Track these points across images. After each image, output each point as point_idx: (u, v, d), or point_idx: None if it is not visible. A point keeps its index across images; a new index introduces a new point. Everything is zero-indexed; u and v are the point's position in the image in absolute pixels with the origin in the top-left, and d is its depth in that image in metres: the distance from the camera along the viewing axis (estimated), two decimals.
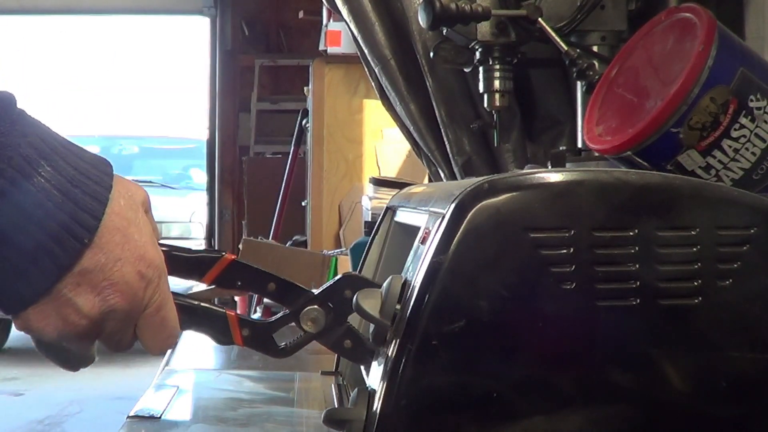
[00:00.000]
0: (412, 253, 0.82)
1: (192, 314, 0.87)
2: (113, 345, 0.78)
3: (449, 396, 0.72)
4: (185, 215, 7.37)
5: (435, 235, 0.74)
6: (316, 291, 0.91)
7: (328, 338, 0.92)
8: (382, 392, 0.72)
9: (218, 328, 0.89)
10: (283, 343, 0.92)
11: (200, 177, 7.94)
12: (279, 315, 0.91)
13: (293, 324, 0.92)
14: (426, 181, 2.10)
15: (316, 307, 0.90)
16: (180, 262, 0.87)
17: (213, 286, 0.90)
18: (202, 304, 0.89)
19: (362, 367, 0.95)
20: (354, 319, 0.88)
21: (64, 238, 0.71)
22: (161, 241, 0.80)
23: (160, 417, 1.02)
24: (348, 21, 1.76)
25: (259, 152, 6.79)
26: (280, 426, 1.03)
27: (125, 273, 0.74)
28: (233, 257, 0.89)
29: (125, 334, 0.78)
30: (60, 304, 0.73)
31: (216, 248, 6.19)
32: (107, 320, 0.75)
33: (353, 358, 0.94)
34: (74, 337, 0.75)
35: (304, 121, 4.86)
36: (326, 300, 0.90)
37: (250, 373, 1.27)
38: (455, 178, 1.68)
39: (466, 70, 1.52)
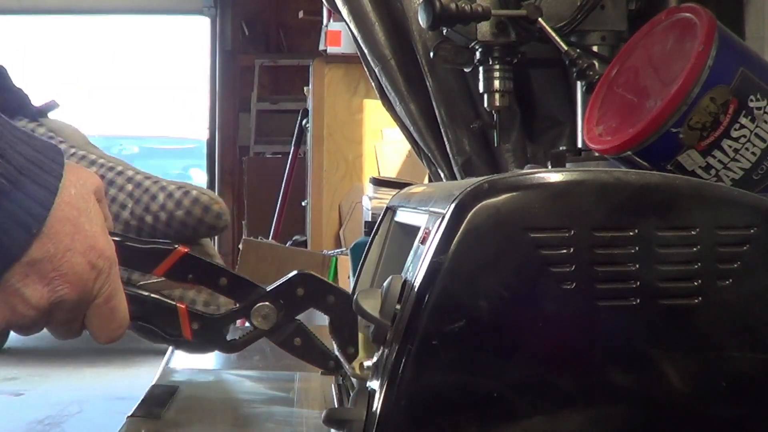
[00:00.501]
0: (412, 253, 0.82)
1: (142, 305, 0.87)
2: (61, 334, 0.78)
3: (449, 396, 0.72)
4: None
5: (435, 235, 0.74)
6: (268, 288, 0.92)
7: (279, 335, 0.92)
8: (382, 392, 0.72)
9: (168, 320, 0.89)
10: (233, 338, 0.92)
11: (200, 177, 7.94)
12: (230, 310, 0.91)
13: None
14: (426, 181, 2.10)
15: (267, 303, 0.91)
16: (132, 252, 0.86)
17: (163, 279, 0.90)
18: (153, 295, 0.89)
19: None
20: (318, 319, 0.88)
21: (12, 228, 0.70)
22: (112, 231, 0.80)
23: (160, 417, 1.02)
24: (348, 21, 1.76)
25: (259, 152, 6.80)
26: (280, 426, 1.03)
27: (75, 263, 0.73)
28: (185, 250, 0.89)
29: (74, 324, 0.78)
30: (8, 294, 0.72)
31: (216, 248, 6.20)
32: (56, 311, 0.74)
33: (302, 356, 0.94)
34: (22, 326, 0.75)
35: (304, 121, 4.87)
36: (278, 297, 0.91)
37: (250, 373, 1.27)
38: (455, 178, 1.68)
39: (466, 70, 1.52)
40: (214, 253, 1.13)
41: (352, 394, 0.77)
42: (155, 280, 0.91)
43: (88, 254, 0.74)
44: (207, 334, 0.91)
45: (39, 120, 1.12)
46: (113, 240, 0.78)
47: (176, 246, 0.89)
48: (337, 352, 0.93)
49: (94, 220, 0.75)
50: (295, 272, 0.94)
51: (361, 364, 0.85)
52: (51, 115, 1.15)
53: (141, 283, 0.91)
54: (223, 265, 0.93)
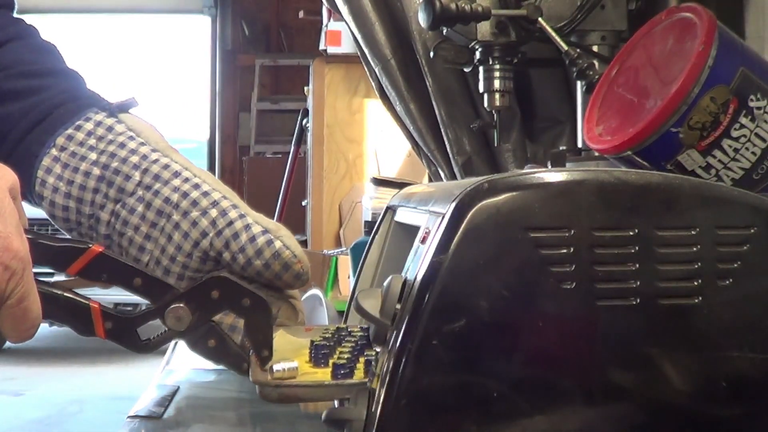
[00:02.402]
0: (412, 252, 0.82)
1: (55, 304, 0.86)
2: None
3: (449, 396, 0.72)
4: None
5: (435, 234, 0.74)
6: (182, 289, 0.91)
7: (192, 337, 0.92)
8: (382, 392, 0.72)
9: (81, 319, 0.89)
10: (146, 339, 0.92)
11: None
12: (143, 310, 0.91)
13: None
14: (426, 181, 2.10)
15: (181, 305, 0.90)
16: (45, 251, 0.86)
17: (76, 278, 0.90)
18: (65, 294, 0.88)
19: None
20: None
21: None
22: (26, 228, 0.80)
23: (160, 417, 1.02)
24: (348, 21, 1.76)
25: (260, 152, 6.80)
26: (280, 426, 1.03)
27: None
28: (100, 249, 0.89)
29: None
30: None
31: None
32: None
33: (216, 358, 0.94)
34: None
35: (304, 121, 4.87)
36: (192, 299, 0.90)
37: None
38: (455, 178, 1.68)
39: (466, 70, 1.52)
40: (296, 296, 1.09)
41: (352, 394, 0.77)
42: (69, 278, 0.91)
43: (1, 256, 0.73)
44: (121, 334, 0.90)
45: (117, 116, 1.09)
46: (27, 238, 0.78)
47: (90, 245, 0.89)
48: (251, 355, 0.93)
49: (8, 220, 0.74)
50: (209, 275, 0.93)
51: (271, 368, 0.86)
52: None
53: (53, 281, 0.90)
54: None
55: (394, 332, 0.74)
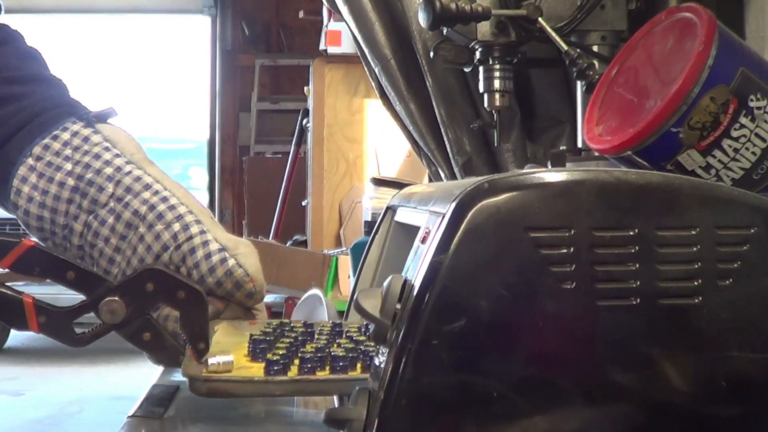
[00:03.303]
0: (412, 252, 0.82)
1: None
2: None
3: (449, 396, 0.72)
4: None
5: (435, 234, 0.74)
6: (116, 282, 0.92)
7: (127, 330, 0.93)
8: (382, 392, 0.72)
9: (13, 313, 0.90)
10: (81, 333, 0.92)
11: (200, 177, 7.94)
12: (77, 304, 0.92)
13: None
14: (426, 181, 2.10)
15: (116, 298, 0.91)
16: None
17: (7, 271, 0.91)
18: None
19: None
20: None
21: None
22: None
23: (160, 417, 1.02)
24: (348, 21, 1.76)
25: (260, 152, 6.80)
26: (280, 426, 1.03)
27: None
28: (32, 243, 0.90)
29: None
30: None
31: None
32: None
33: (152, 351, 0.95)
34: None
35: (304, 121, 4.87)
36: (126, 292, 0.91)
37: None
38: (455, 178, 1.68)
39: (466, 70, 1.52)
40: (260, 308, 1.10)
41: (352, 394, 0.77)
42: (2, 272, 0.91)
43: None
44: (54, 328, 0.91)
45: (94, 126, 1.09)
46: None
47: (22, 239, 0.90)
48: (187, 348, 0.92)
49: None
50: (143, 267, 0.94)
51: (206, 361, 0.86)
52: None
53: None
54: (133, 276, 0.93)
55: (394, 332, 0.74)
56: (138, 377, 5.55)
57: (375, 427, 0.72)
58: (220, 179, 7.04)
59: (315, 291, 1.46)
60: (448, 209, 0.74)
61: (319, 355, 0.88)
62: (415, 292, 0.73)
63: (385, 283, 0.77)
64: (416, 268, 0.75)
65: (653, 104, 1.03)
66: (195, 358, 0.89)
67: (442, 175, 1.74)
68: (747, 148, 1.00)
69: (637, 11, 1.42)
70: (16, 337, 6.94)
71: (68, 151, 1.05)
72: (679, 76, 1.00)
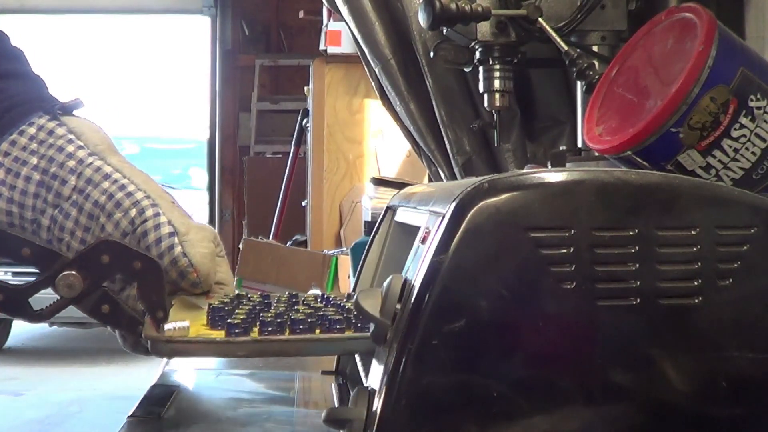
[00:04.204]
0: (412, 252, 0.82)
1: None
2: None
3: (449, 396, 0.72)
4: None
5: (435, 234, 0.74)
6: (71, 256, 0.93)
7: (85, 304, 0.93)
8: (382, 392, 0.72)
9: None
10: (39, 309, 0.92)
11: (200, 177, 7.95)
12: (34, 280, 0.92)
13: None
14: (426, 181, 2.10)
15: (72, 272, 0.91)
16: None
17: None
18: None
19: (361, 368, 0.95)
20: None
21: None
22: None
23: (160, 417, 1.02)
24: (348, 21, 1.76)
25: (260, 152, 6.80)
26: (280, 426, 1.03)
27: None
28: None
29: None
30: None
31: None
32: None
33: (111, 323, 0.96)
34: None
35: (304, 121, 4.87)
36: (83, 265, 0.91)
37: (250, 373, 1.27)
38: (455, 178, 1.68)
39: (466, 70, 1.52)
40: (226, 281, 1.11)
41: (352, 394, 0.77)
42: None
43: None
44: (12, 305, 0.92)
45: (60, 119, 1.10)
46: None
47: None
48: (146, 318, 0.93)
49: None
50: (97, 240, 0.95)
51: (162, 326, 0.87)
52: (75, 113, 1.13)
53: None
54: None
55: (394, 332, 0.74)
56: (138, 377, 5.56)
57: (375, 427, 0.72)
58: (220, 179, 7.04)
59: (315, 291, 1.46)
60: (448, 209, 0.74)
61: (278, 320, 0.89)
62: (415, 292, 0.73)
63: (385, 283, 0.77)
64: (416, 268, 0.75)
65: (653, 104, 1.03)
66: (154, 327, 0.90)
67: (442, 175, 1.74)
68: (747, 148, 1.00)
69: (637, 11, 1.42)
70: (16, 337, 6.94)
71: (34, 146, 1.07)
72: (679, 76, 1.00)
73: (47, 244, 1.05)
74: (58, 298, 0.92)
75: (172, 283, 1.05)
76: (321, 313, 0.93)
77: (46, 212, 1.06)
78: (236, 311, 0.93)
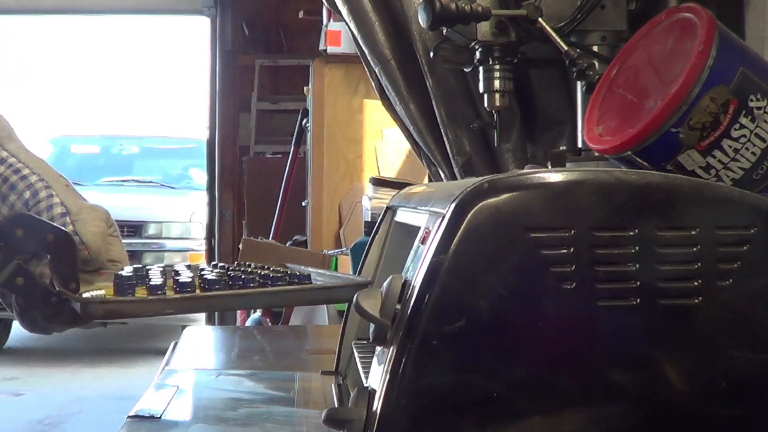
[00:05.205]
0: (412, 252, 0.82)
1: None
2: None
3: (449, 396, 0.72)
4: (185, 215, 7.38)
5: (435, 234, 0.74)
6: None
7: (0, 277, 0.96)
8: (382, 392, 0.72)
9: None
10: None
11: (200, 177, 7.95)
12: None
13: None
14: (426, 181, 2.10)
15: None
16: None
17: None
18: None
19: (361, 368, 0.95)
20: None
21: None
22: None
23: (160, 417, 1.02)
24: (348, 21, 1.76)
25: (259, 152, 6.79)
26: (280, 426, 1.03)
27: None
28: None
29: None
30: None
31: (216, 248, 6.21)
32: None
33: (26, 296, 0.98)
34: None
35: (304, 121, 4.86)
36: None
37: (250, 373, 1.27)
38: (455, 178, 1.68)
39: (466, 70, 1.52)
40: (120, 258, 1.14)
41: (352, 394, 0.77)
42: None
43: None
44: None
45: None
46: None
47: None
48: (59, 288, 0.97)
49: None
50: (12, 215, 1.00)
51: (80, 295, 0.91)
52: None
53: None
54: None
55: (394, 332, 0.74)
56: (138, 377, 5.55)
57: (375, 427, 0.72)
58: (220, 179, 7.03)
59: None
60: (448, 209, 0.74)
61: (190, 280, 0.94)
62: (415, 293, 0.73)
63: (385, 283, 0.77)
64: (416, 268, 0.75)
65: (653, 104, 1.03)
66: (70, 296, 0.94)
67: (442, 175, 1.74)
68: (747, 148, 1.00)
69: (637, 11, 1.41)
70: (16, 337, 6.94)
71: None
72: (679, 76, 1.00)
73: None
74: None
75: None
76: (231, 273, 1.00)
77: None
78: (149, 277, 0.98)
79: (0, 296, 1.03)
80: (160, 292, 0.90)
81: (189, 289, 0.91)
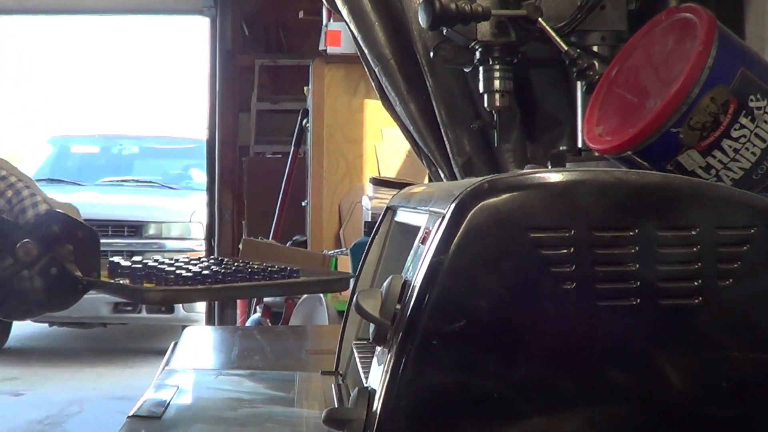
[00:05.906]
0: (412, 253, 0.82)
1: None
2: None
3: (449, 396, 0.72)
4: (185, 215, 7.38)
5: (435, 235, 0.74)
6: (26, 227, 1.07)
7: (37, 267, 1.06)
8: (382, 392, 0.72)
9: None
10: None
11: (200, 177, 7.94)
12: None
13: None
14: (426, 181, 2.10)
15: (29, 240, 1.06)
16: None
17: None
18: None
19: (361, 368, 0.95)
20: None
21: None
22: None
23: (160, 417, 1.02)
24: (348, 21, 1.76)
25: (259, 152, 6.79)
26: (280, 426, 1.03)
27: None
28: None
29: None
30: None
31: (216, 248, 6.20)
32: None
33: (57, 283, 1.08)
34: None
35: (304, 121, 4.86)
36: (37, 234, 1.06)
37: (250, 373, 1.27)
38: (455, 178, 1.68)
39: (466, 70, 1.52)
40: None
41: (352, 394, 0.77)
42: None
43: None
44: None
45: None
46: None
47: None
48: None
49: None
50: (45, 211, 1.09)
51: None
52: None
53: None
54: None
55: (394, 332, 0.74)
56: (138, 377, 5.55)
57: (375, 427, 0.72)
58: (220, 179, 7.02)
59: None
60: (448, 209, 0.74)
61: (224, 270, 1.14)
62: (415, 293, 0.73)
63: (385, 283, 0.77)
64: (416, 268, 0.75)
65: (653, 104, 1.03)
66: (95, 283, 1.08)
67: (442, 175, 1.74)
68: (747, 149, 1.00)
69: (637, 11, 1.41)
70: (16, 337, 6.94)
71: None
72: (679, 76, 1.00)
73: None
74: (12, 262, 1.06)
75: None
76: (250, 269, 1.17)
77: None
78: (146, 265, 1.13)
79: None
80: (204, 282, 1.05)
81: (230, 278, 1.08)
